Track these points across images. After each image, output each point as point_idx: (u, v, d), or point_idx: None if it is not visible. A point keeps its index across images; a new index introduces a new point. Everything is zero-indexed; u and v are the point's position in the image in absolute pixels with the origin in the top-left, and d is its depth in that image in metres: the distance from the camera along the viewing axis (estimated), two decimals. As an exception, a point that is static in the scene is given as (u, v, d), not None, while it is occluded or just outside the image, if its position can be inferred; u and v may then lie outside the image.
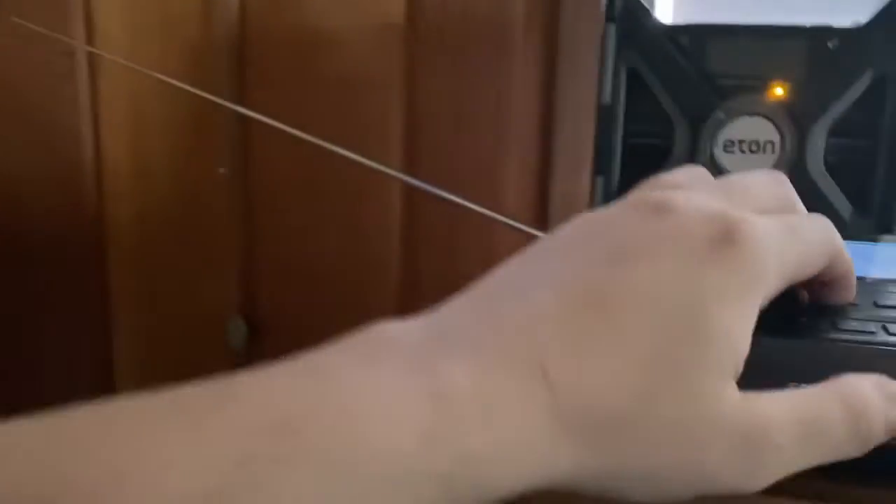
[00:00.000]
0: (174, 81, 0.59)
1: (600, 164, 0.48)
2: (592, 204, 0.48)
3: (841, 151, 0.46)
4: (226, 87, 0.69)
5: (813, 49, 0.45)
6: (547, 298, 0.21)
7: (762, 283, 0.22)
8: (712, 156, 0.46)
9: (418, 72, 0.63)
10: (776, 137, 0.45)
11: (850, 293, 0.28)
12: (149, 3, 0.70)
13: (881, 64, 0.45)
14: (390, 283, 0.68)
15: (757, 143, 0.46)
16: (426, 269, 0.67)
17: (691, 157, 0.46)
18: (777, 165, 0.45)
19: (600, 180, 0.48)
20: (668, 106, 0.46)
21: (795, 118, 0.45)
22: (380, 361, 0.20)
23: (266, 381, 0.20)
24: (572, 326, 0.21)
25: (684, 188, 0.24)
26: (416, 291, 0.67)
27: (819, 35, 0.45)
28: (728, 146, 0.46)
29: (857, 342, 0.31)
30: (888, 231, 0.45)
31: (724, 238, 0.22)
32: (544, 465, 0.20)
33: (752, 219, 0.23)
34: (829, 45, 0.45)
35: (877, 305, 0.34)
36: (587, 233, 0.24)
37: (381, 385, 0.20)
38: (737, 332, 0.22)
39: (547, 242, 0.24)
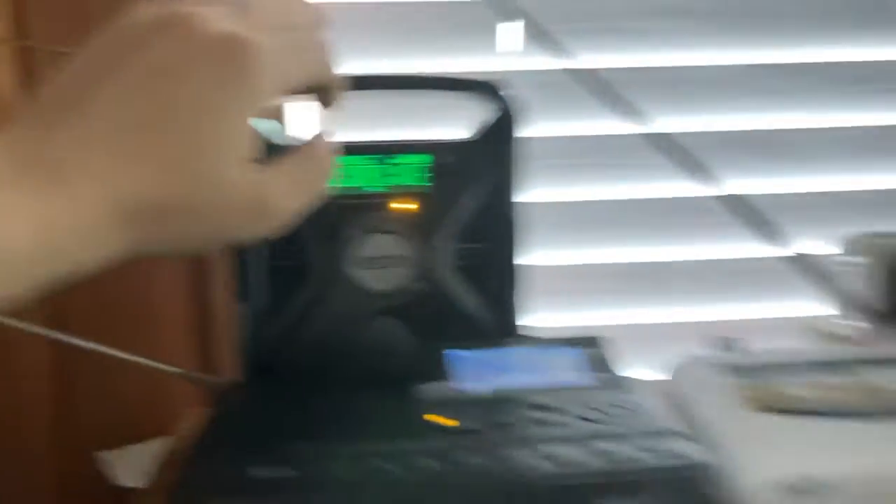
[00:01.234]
0: None
1: (243, 291, 0.47)
2: (241, 331, 0.47)
3: (469, 257, 0.48)
4: None
5: (432, 163, 0.48)
6: (98, 122, 0.27)
7: (259, 97, 0.29)
8: (350, 274, 0.47)
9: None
10: (407, 251, 0.47)
11: (339, 101, 0.36)
12: None
13: (494, 173, 0.48)
14: (41, 423, 0.62)
15: (389, 258, 0.47)
16: (83, 406, 0.62)
17: (331, 276, 0.47)
18: (412, 276, 0.47)
19: (244, 306, 0.47)
20: (303, 227, 0.46)
21: (422, 231, 0.47)
22: None
23: None
24: (123, 141, 0.27)
25: (208, 3, 0.30)
26: (72, 426, 0.62)
27: (436, 150, 0.48)
28: (364, 263, 0.47)
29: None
30: (513, 325, 0.49)
31: (232, 59, 0.28)
32: (111, 248, 0.27)
33: (259, 40, 0.29)
34: (446, 159, 0.48)
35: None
36: (122, 51, 0.29)
37: None
38: (242, 133, 0.29)
39: (87, 57, 0.29)
